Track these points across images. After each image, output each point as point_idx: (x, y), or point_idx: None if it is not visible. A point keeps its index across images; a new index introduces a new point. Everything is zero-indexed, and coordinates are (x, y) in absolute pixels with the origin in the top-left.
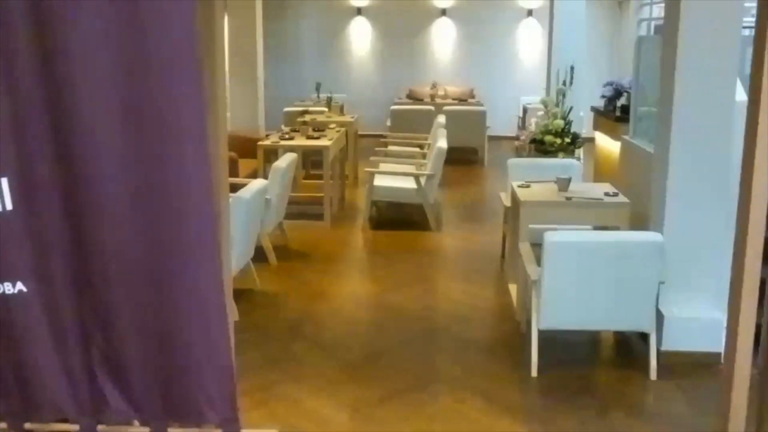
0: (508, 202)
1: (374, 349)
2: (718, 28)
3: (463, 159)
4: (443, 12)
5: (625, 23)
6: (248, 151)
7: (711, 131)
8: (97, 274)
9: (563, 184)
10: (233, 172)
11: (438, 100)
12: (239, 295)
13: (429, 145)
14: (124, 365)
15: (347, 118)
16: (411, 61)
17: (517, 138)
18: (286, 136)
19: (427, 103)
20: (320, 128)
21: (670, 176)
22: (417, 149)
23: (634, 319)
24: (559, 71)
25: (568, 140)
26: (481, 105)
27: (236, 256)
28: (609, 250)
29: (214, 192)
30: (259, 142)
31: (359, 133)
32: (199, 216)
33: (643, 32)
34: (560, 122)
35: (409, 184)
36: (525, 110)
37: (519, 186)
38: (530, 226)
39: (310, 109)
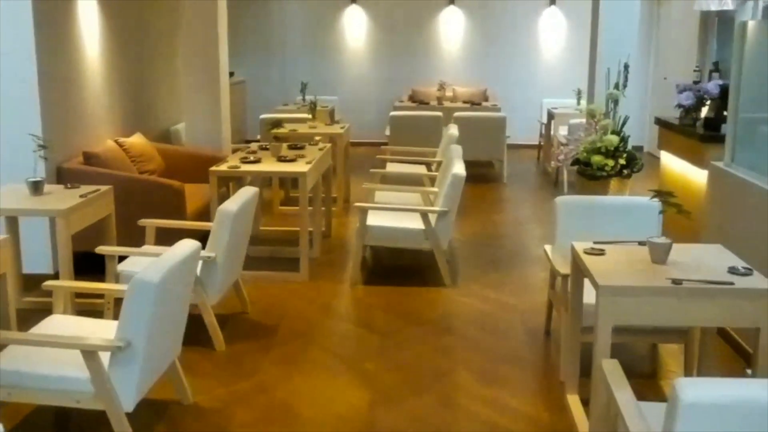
0: (561, 267)
1: None
2: None
3: (477, 175)
4: (451, 0)
5: (664, 12)
6: (205, 175)
7: None
8: None
9: (660, 251)
10: (177, 208)
11: (446, 104)
12: (159, 413)
13: (438, 164)
14: None
15: (335, 129)
16: (414, 58)
17: (554, 158)
18: (251, 157)
19: (433, 108)
20: (299, 144)
21: None
22: (423, 168)
23: None
24: (610, 70)
25: (622, 161)
26: (499, 109)
27: (144, 368)
28: None
29: None
30: (213, 168)
31: (352, 141)
32: None
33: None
34: (614, 138)
35: (415, 223)
36: (551, 116)
37: (587, 252)
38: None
39: (292, 115)
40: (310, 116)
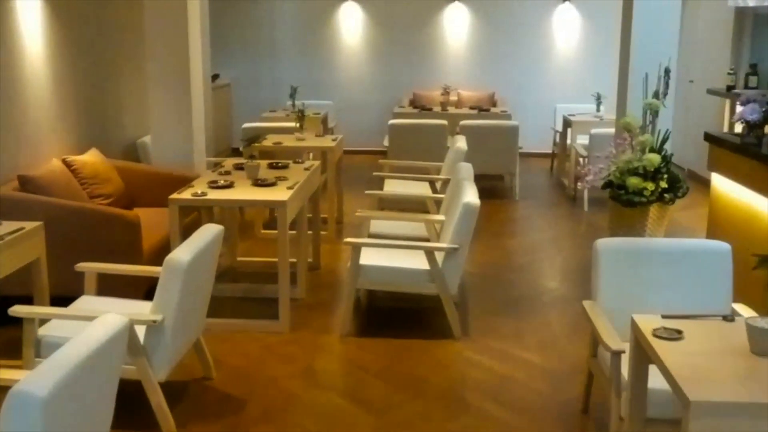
0: (610, 340)
1: None
2: None
3: (485, 189)
4: None
5: (691, 10)
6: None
7: None
8: None
9: (761, 339)
10: (131, 244)
11: (451, 109)
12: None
13: (444, 182)
14: None
15: (326, 142)
16: (415, 59)
17: (580, 177)
18: (221, 181)
19: (437, 115)
20: (280, 163)
21: None
22: (426, 187)
23: None
24: (648, 75)
25: (663, 184)
26: (509, 116)
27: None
28: None
29: None
30: (174, 195)
31: (348, 149)
32: None
33: None
34: (655, 157)
35: (418, 261)
36: (567, 123)
37: (658, 335)
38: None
39: (278, 125)
40: (297, 124)
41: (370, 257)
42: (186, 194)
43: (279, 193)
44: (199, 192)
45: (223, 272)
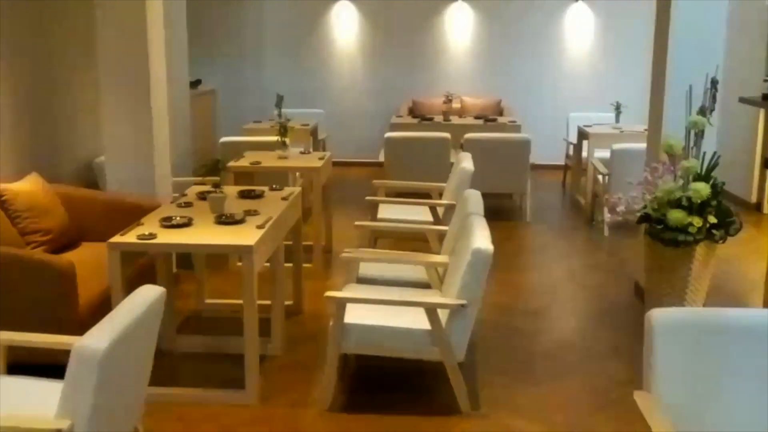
0: None
1: None
2: None
3: (492, 208)
4: None
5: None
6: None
7: None
8: None
9: None
10: (63, 298)
11: (454, 119)
12: None
13: (448, 208)
14: None
15: (312, 161)
16: (415, 63)
17: (609, 207)
18: (177, 218)
19: (438, 126)
20: (255, 191)
21: None
22: (427, 213)
23: None
24: (692, 88)
25: (712, 220)
26: (518, 127)
27: None
28: None
29: None
30: (114, 239)
31: (342, 161)
32: None
33: None
34: (704, 188)
35: (417, 320)
36: (583, 134)
37: None
38: None
39: (259, 139)
40: (280, 141)
41: (357, 314)
42: (130, 236)
43: (246, 235)
44: (147, 234)
45: (186, 320)
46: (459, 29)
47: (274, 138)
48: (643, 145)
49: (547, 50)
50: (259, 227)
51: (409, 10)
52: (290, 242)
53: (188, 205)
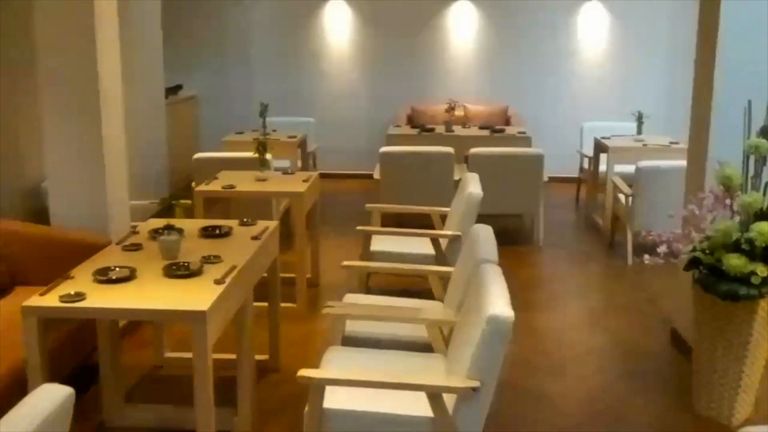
0: None
1: None
2: None
3: (499, 231)
4: None
5: None
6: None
7: None
8: None
9: None
10: None
11: (457, 130)
12: None
13: (452, 239)
14: None
15: (295, 184)
16: (414, 68)
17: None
18: (116, 272)
19: (440, 138)
20: (221, 229)
21: None
22: (428, 245)
23: None
24: (751, 103)
25: None
26: (528, 139)
27: None
28: None
29: None
30: (27, 302)
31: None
32: None
33: None
34: None
35: (416, 405)
36: (600, 147)
37: None
38: None
39: (238, 155)
40: (257, 158)
41: (340, 397)
42: (52, 297)
43: (199, 293)
44: (74, 293)
45: (140, 380)
46: (462, 30)
47: (255, 154)
48: (672, 163)
49: (559, 53)
50: (218, 282)
51: (407, 8)
52: (266, 274)
53: (136, 248)
